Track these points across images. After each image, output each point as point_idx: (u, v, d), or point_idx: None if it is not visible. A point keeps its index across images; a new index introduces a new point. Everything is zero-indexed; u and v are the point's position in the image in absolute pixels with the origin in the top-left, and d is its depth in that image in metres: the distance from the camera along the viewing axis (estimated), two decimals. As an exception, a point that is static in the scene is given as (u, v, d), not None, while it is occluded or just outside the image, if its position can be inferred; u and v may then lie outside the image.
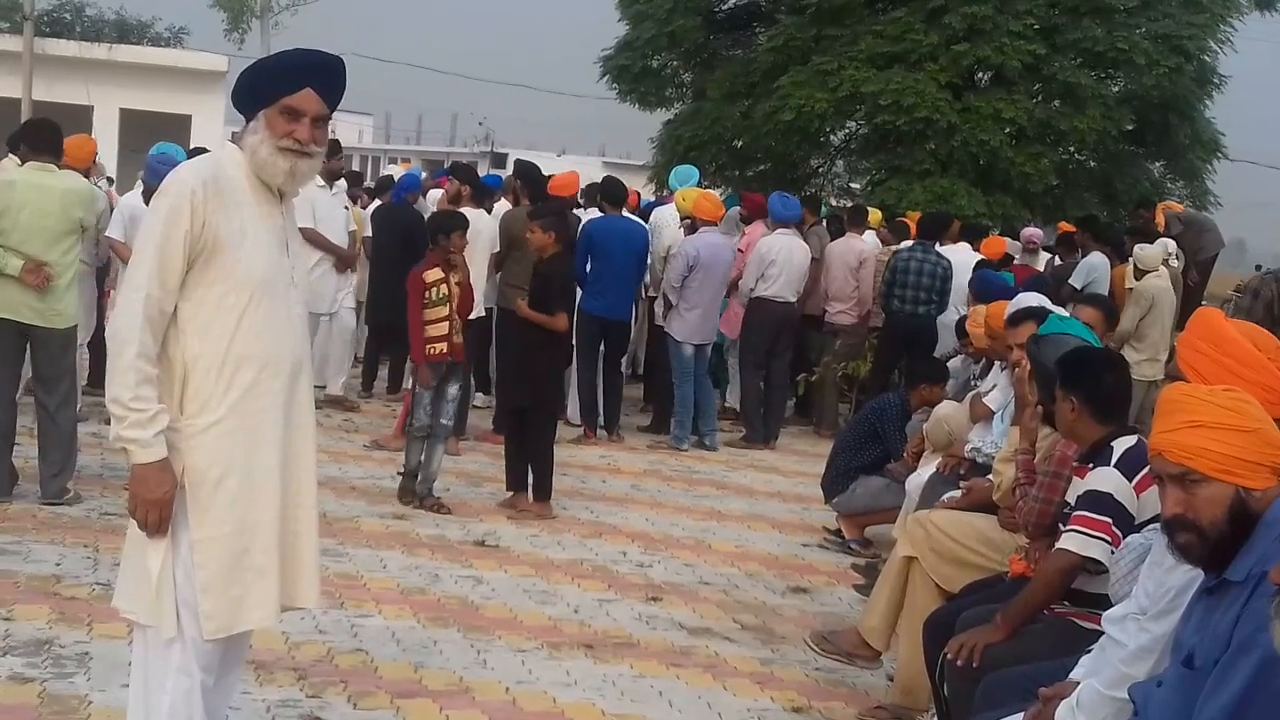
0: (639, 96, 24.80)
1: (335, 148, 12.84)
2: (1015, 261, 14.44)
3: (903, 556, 6.28)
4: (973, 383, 8.61)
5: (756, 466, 12.02)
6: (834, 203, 22.71)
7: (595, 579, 8.06)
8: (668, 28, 23.11)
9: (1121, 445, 4.74)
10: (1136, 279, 12.88)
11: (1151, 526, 4.21)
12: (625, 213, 12.80)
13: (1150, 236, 13.93)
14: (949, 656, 4.88)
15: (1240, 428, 3.35)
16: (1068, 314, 7.04)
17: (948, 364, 9.61)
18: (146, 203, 9.57)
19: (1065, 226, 16.52)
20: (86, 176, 10.78)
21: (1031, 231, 17.12)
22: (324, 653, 6.43)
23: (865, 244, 13.87)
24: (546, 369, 9.52)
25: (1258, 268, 48.78)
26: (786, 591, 8.19)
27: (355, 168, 61.33)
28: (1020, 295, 8.07)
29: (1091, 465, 4.79)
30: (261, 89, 4.30)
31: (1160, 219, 16.17)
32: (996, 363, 7.77)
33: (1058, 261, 15.49)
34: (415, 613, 7.12)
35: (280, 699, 5.80)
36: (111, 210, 10.69)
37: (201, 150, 10.54)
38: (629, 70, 24.27)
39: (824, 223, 15.04)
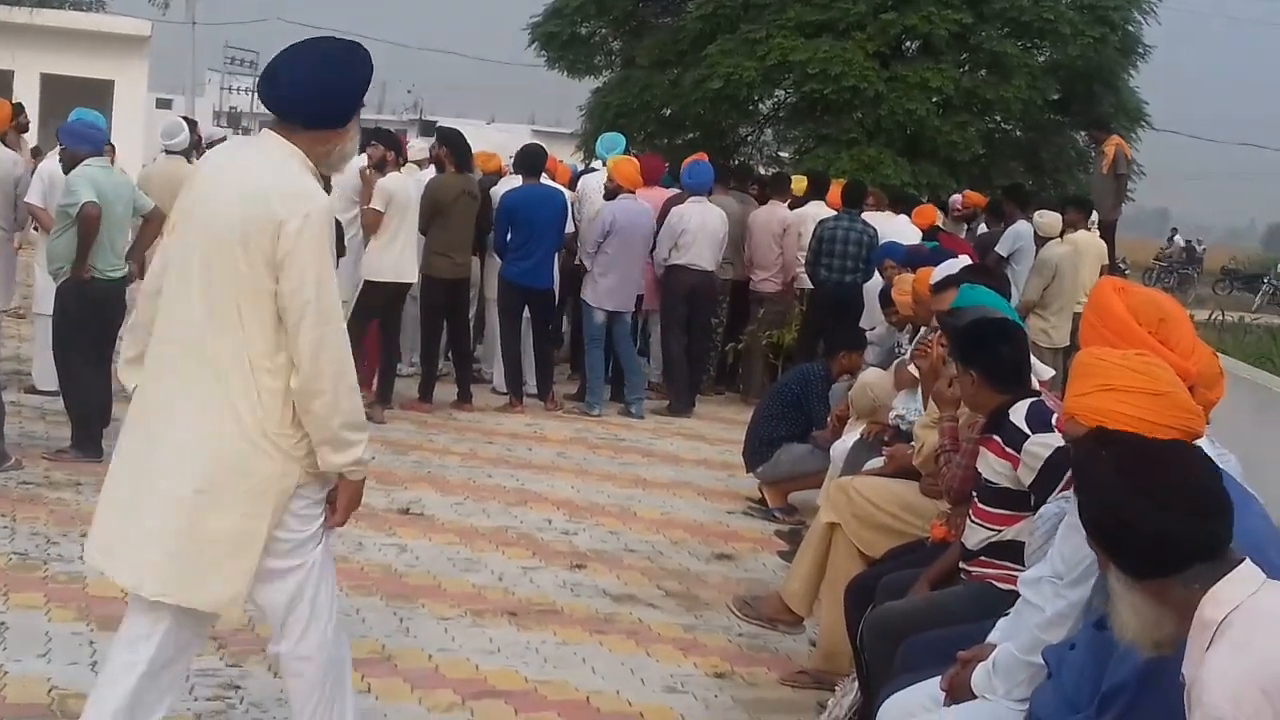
0: (567, 64, 24.70)
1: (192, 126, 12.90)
2: (942, 229, 14.52)
3: (825, 522, 6.32)
4: (897, 350, 8.65)
5: (683, 434, 12.04)
6: (762, 171, 22.74)
7: (520, 546, 8.04)
8: (597, -6, 23.08)
9: (1019, 412, 4.77)
10: (1038, 247, 13.02)
11: (1065, 494, 4.24)
12: (546, 180, 12.78)
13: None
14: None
15: (1152, 391, 3.38)
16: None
17: (870, 332, 9.64)
18: (66, 169, 9.47)
19: (972, 196, 16.57)
20: (3, 141, 10.63)
21: (959, 198, 17.22)
22: (245, 621, 6.36)
23: (789, 212, 13.86)
24: None
25: (1171, 239, 49.33)
26: (710, 558, 8.21)
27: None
28: (945, 263, 8.11)
29: (995, 437, 4.82)
30: None
31: (1110, 152, 16.29)
32: (922, 330, 7.80)
33: (983, 229, 15.59)
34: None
35: (200, 668, 5.74)
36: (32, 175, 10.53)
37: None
38: (557, 37, 24.16)
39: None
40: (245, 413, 4.13)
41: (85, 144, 9.32)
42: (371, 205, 11.02)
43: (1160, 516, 2.70)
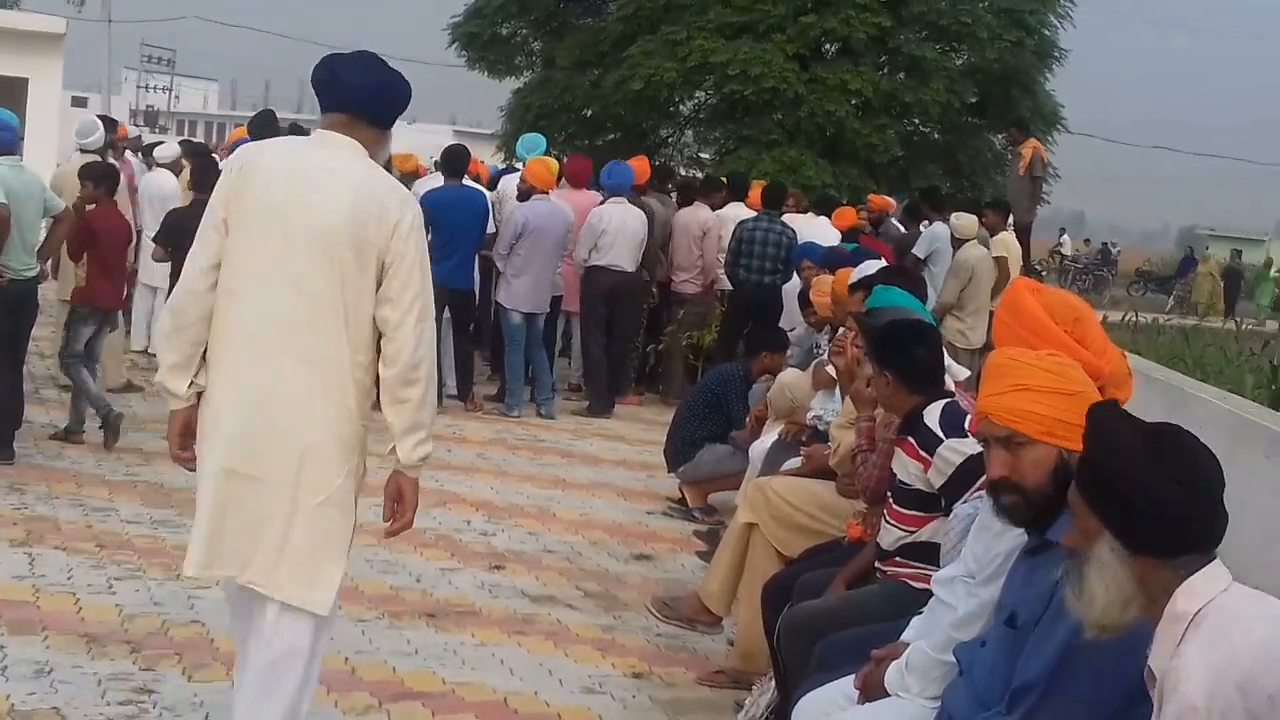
0: (488, 64, 24.61)
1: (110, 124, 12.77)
2: (863, 231, 14.62)
3: (743, 523, 6.33)
4: (815, 351, 8.69)
5: (602, 435, 12.04)
6: (683, 172, 22.78)
7: (438, 548, 8.01)
8: (518, -6, 23.01)
9: (933, 414, 4.80)
10: (955, 249, 13.14)
11: (978, 495, 4.27)
12: (467, 181, 12.76)
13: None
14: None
15: (1064, 391, 3.42)
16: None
17: (790, 333, 9.69)
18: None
19: (877, 200, 16.61)
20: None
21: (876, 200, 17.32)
22: (159, 625, 6.33)
23: (709, 214, 13.88)
24: None
25: (1086, 241, 49.94)
26: (629, 559, 8.22)
27: (200, 135, 60.11)
28: (863, 264, 8.16)
29: (909, 438, 4.85)
30: None
31: (1028, 154, 16.47)
32: (840, 330, 7.83)
33: (903, 231, 15.70)
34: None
35: (112, 672, 5.71)
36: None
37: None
38: (478, 38, 24.07)
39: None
40: (354, 407, 4.35)
41: None
42: None
43: (1185, 499, 2.71)
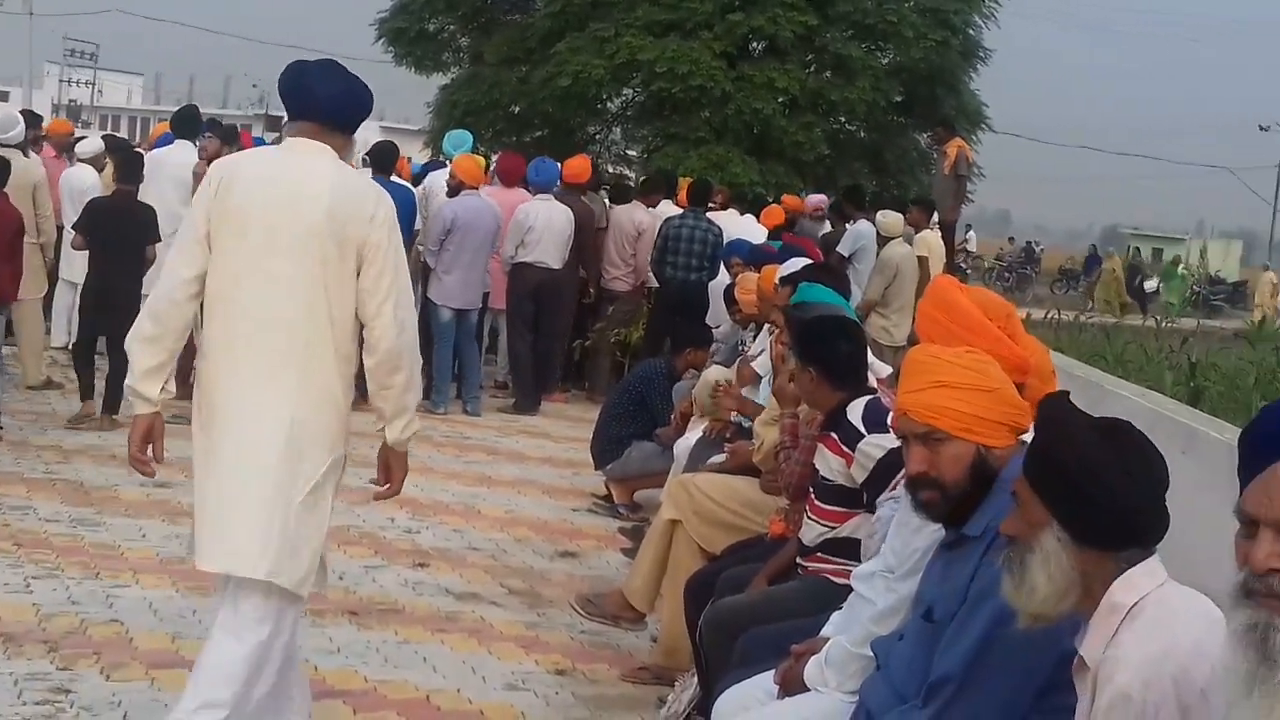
0: (415, 60, 24.47)
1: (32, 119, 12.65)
2: (809, 228, 14.71)
3: (666, 519, 6.34)
4: (741, 348, 8.73)
5: (528, 432, 12.01)
6: (611, 170, 22.79)
7: (362, 545, 7.98)
8: (445, -10, 22.94)
9: (856, 409, 4.83)
10: (880, 246, 13.23)
11: (895, 492, 4.31)
12: (395, 178, 12.70)
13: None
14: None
15: (982, 387, 3.45)
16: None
17: (716, 330, 9.72)
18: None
19: (792, 201, 16.65)
20: None
21: (817, 199, 17.41)
22: (77, 624, 6.26)
23: (645, 215, 13.88)
24: None
25: (1010, 240, 50.50)
26: (554, 556, 8.21)
27: (124, 129, 59.43)
28: (789, 261, 8.20)
29: (832, 434, 4.88)
30: None
31: (952, 153, 16.59)
32: (765, 327, 7.87)
33: (826, 229, 15.78)
34: (174, 582, 6.95)
35: (29, 672, 5.64)
36: None
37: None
38: (405, 33, 23.94)
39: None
40: (340, 400, 4.59)
41: None
42: None
43: (1135, 492, 2.72)
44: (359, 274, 4.50)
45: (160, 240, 10.58)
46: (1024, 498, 2.83)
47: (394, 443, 4.76)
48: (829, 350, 5.03)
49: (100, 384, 10.38)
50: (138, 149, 14.71)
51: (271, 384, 4.45)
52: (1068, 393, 3.03)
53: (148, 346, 4.53)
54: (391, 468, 4.86)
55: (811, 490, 4.98)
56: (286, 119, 4.86)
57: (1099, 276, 39.86)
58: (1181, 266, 44.30)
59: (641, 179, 14.60)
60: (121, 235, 10.42)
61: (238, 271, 4.48)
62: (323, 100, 4.62)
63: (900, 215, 13.64)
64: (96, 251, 10.46)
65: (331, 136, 4.63)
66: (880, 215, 13.62)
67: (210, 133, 11.05)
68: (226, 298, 4.50)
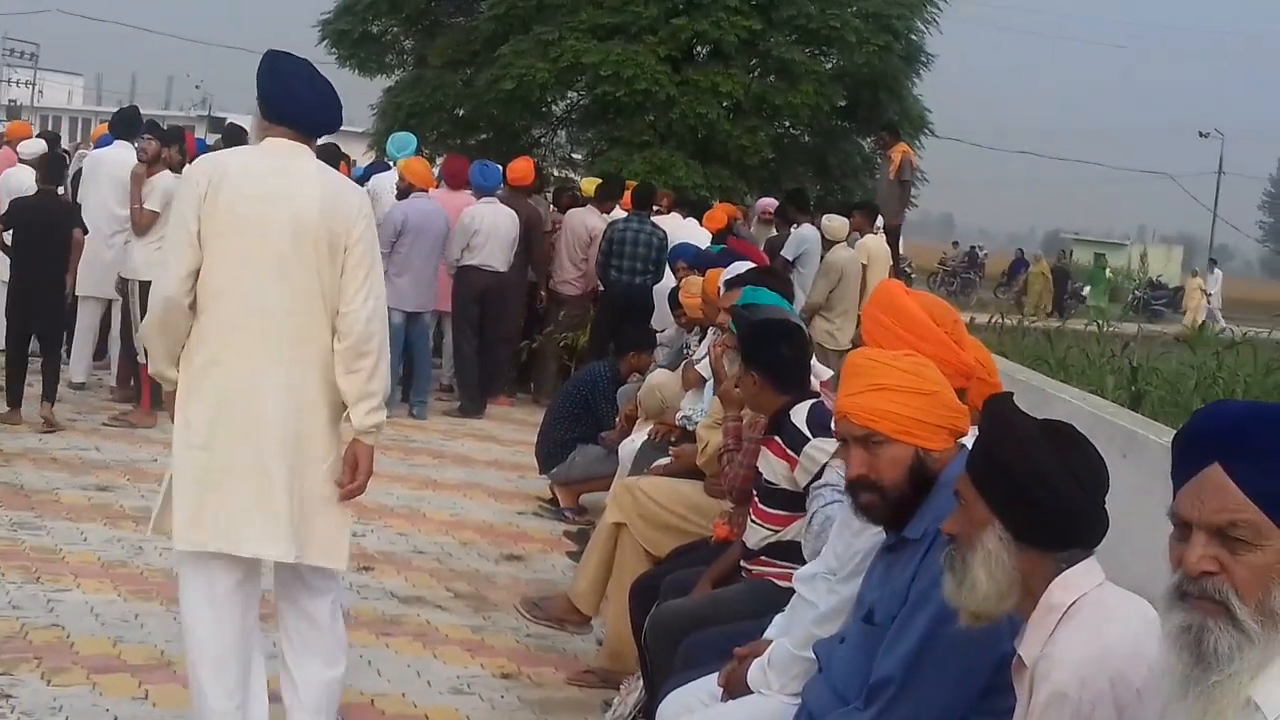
0: (359, 62, 24.38)
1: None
2: (740, 233, 14.72)
3: (611, 522, 6.36)
4: (685, 351, 8.75)
5: (475, 435, 12.00)
6: (556, 173, 22.79)
7: (306, 550, 7.93)
8: (389, -9, 22.84)
9: (800, 412, 4.86)
10: (824, 250, 13.30)
11: (830, 486, 4.35)
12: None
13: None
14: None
15: (920, 390, 3.48)
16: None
17: (661, 333, 9.74)
18: None
19: (725, 208, 16.62)
20: None
21: (766, 202, 17.44)
22: (17, 628, 6.22)
23: (598, 219, 13.89)
24: None
25: (955, 244, 50.88)
26: (500, 559, 8.21)
27: (64, 130, 58.85)
28: (733, 264, 8.23)
29: (776, 438, 4.90)
30: None
31: (897, 158, 16.69)
32: (710, 330, 7.89)
33: (773, 233, 15.83)
34: (116, 586, 6.92)
35: (-32, 678, 5.60)
36: None
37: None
38: (349, 35, 23.83)
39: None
40: (330, 385, 4.81)
41: None
42: (147, 205, 10.64)
43: (1079, 494, 2.75)
44: (342, 268, 4.80)
45: (87, 231, 10.59)
46: (967, 497, 2.86)
47: (359, 429, 4.81)
48: (772, 354, 5.06)
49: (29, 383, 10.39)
50: (65, 150, 14.64)
51: (275, 370, 4.72)
52: (1012, 394, 3.06)
53: (160, 339, 4.85)
54: (358, 461, 4.87)
55: (755, 494, 5.01)
56: (260, 117, 5.00)
57: (1025, 280, 40.22)
58: (1108, 270, 44.77)
59: (598, 184, 14.56)
60: (45, 234, 10.44)
61: (235, 266, 4.73)
62: (307, 109, 4.92)
63: (845, 219, 13.71)
64: (21, 251, 10.46)
65: (306, 141, 4.93)
66: (825, 219, 13.69)
67: (149, 134, 10.96)
68: (225, 291, 4.73)
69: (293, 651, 5.07)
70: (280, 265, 4.74)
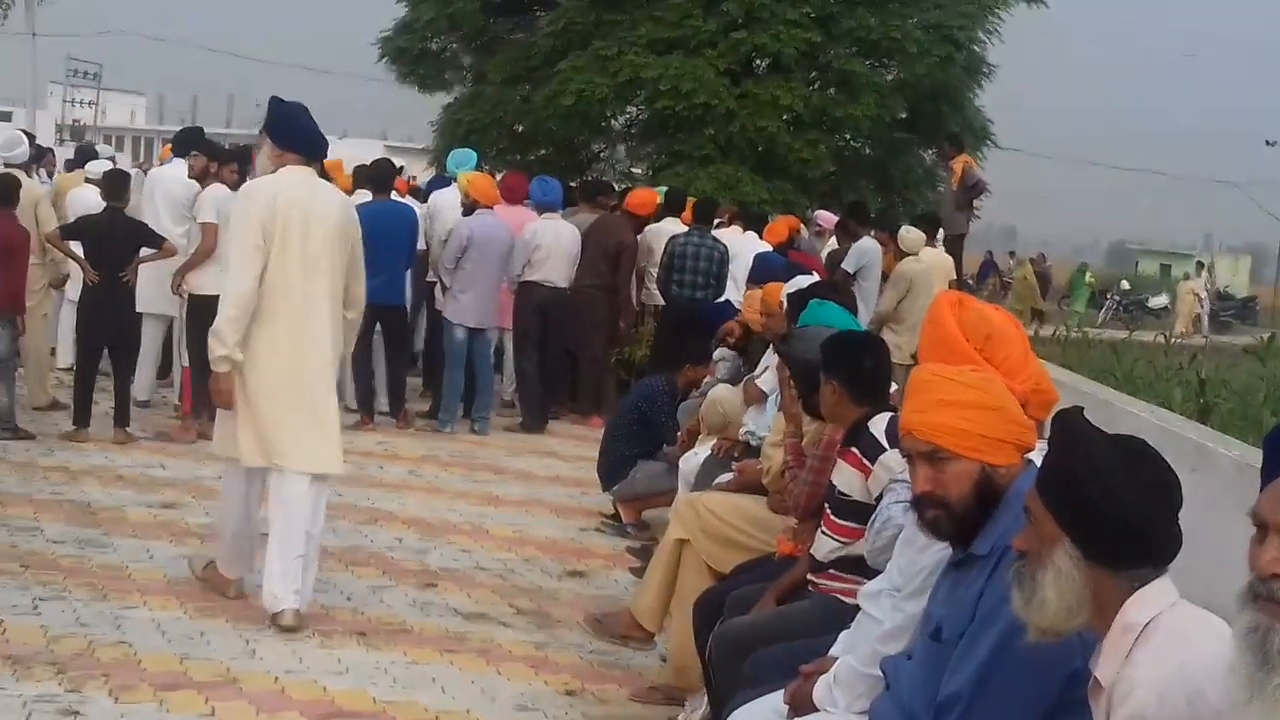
0: (418, 79, 24.50)
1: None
2: (800, 246, 14.69)
3: (675, 539, 6.34)
4: (742, 369, 8.73)
5: (536, 451, 12.01)
6: (617, 187, 22.79)
7: (370, 566, 7.98)
8: (447, 9, 22.84)
9: (879, 424, 4.82)
10: (898, 261, 13.26)
11: (902, 482, 4.31)
12: (395, 196, 12.78)
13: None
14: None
15: (986, 406, 3.45)
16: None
17: (715, 353, 9.71)
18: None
19: (786, 220, 16.53)
20: None
21: (821, 214, 17.38)
22: (85, 645, 6.28)
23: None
24: None
25: (1011, 254, 50.72)
26: (563, 575, 8.21)
27: (127, 149, 59.48)
28: (795, 278, 8.21)
29: (852, 449, 4.87)
30: None
31: (959, 169, 16.64)
32: (770, 346, 7.86)
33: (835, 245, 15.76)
34: (182, 603, 6.97)
35: (37, 694, 5.66)
36: None
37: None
38: (408, 52, 23.96)
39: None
40: (341, 341, 7.08)
41: None
42: (201, 218, 10.69)
43: (1150, 511, 2.71)
44: (350, 258, 7.01)
45: (158, 246, 10.73)
46: (1036, 513, 2.82)
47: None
48: (852, 364, 5.02)
49: (100, 401, 10.47)
50: (126, 169, 14.84)
51: (321, 335, 6.83)
52: (1082, 409, 2.99)
53: (233, 327, 6.66)
54: None
55: (827, 506, 4.98)
56: (276, 147, 6.95)
57: (994, 283, 39.97)
58: (1089, 275, 44.62)
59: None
60: (111, 251, 10.57)
61: (291, 266, 6.71)
62: (311, 141, 7.04)
63: (921, 232, 13.69)
64: (88, 269, 10.61)
65: (310, 164, 7.03)
66: (904, 230, 13.68)
67: (197, 151, 11.11)
68: (286, 284, 6.70)
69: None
70: (319, 262, 6.77)
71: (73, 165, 16.09)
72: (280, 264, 6.68)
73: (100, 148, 23.41)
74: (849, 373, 5.00)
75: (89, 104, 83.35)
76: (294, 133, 6.93)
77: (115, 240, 10.66)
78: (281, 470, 6.77)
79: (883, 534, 4.38)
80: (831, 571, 4.91)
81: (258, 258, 6.64)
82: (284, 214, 6.66)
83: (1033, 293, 36.36)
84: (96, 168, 13.67)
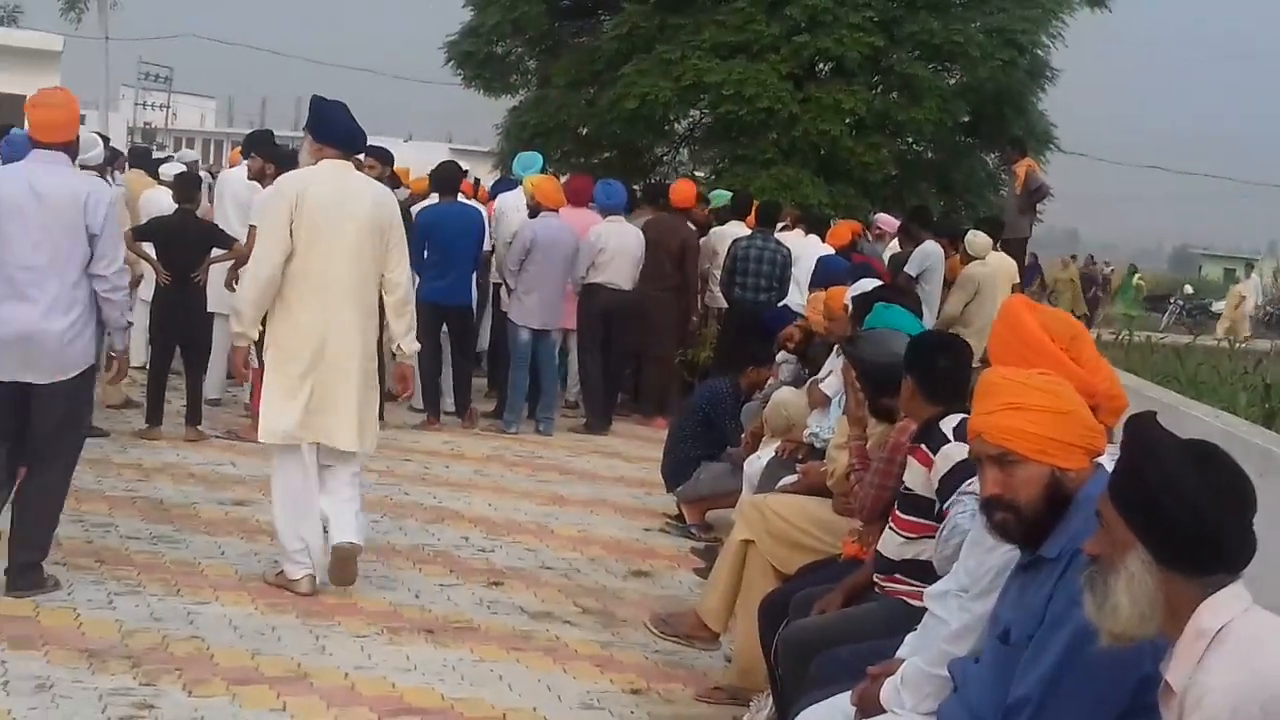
0: (484, 83, 24.61)
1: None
2: (862, 249, 14.70)
3: (740, 540, 6.37)
4: (804, 371, 8.76)
5: (600, 452, 12.08)
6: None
7: (437, 564, 8.06)
8: (512, 14, 22.96)
9: (949, 423, 4.83)
10: (964, 265, 13.26)
11: (969, 494, 4.33)
12: (461, 198, 12.89)
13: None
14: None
15: (1056, 410, 3.47)
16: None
17: (778, 355, 9.74)
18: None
19: (849, 224, 16.46)
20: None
21: (881, 218, 17.36)
22: (159, 640, 6.37)
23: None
24: None
25: (1073, 257, 50.48)
26: (627, 575, 8.26)
27: (197, 151, 60.14)
28: (860, 281, 8.22)
29: (922, 445, 4.89)
30: None
31: (1022, 173, 16.59)
32: (834, 349, 7.89)
33: (895, 248, 15.75)
34: (253, 599, 7.07)
35: (113, 687, 5.76)
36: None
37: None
38: (474, 56, 24.08)
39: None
40: (375, 324, 7.46)
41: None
42: (253, 222, 10.75)
43: (1223, 516, 2.70)
44: (386, 246, 7.32)
45: (228, 247, 10.94)
46: (1108, 518, 2.82)
47: (408, 353, 7.61)
48: (928, 362, 5.02)
49: (172, 400, 10.59)
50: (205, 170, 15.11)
51: (349, 322, 7.18)
52: (1155, 413, 2.97)
53: (255, 305, 7.20)
54: (406, 376, 7.78)
55: (896, 503, 5.01)
56: (315, 142, 7.35)
57: (1038, 284, 39.60)
58: (1137, 277, 44.14)
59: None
60: (183, 252, 10.73)
61: (320, 251, 7.08)
62: (350, 135, 7.43)
63: (988, 237, 13.69)
64: (160, 269, 10.77)
65: (348, 158, 7.42)
66: (971, 234, 13.70)
67: (254, 153, 11.32)
68: (317, 270, 7.08)
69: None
70: (349, 253, 7.16)
71: (130, 165, 16.29)
72: (309, 253, 7.07)
73: (182, 152, 23.69)
74: (924, 370, 5.01)
75: (160, 107, 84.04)
76: (332, 128, 7.33)
77: (186, 241, 10.83)
78: (299, 446, 7.20)
79: (950, 542, 4.41)
80: (898, 576, 4.94)
81: (281, 246, 7.07)
82: (313, 206, 7.06)
83: (1076, 294, 36.08)
84: (169, 170, 13.88)
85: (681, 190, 14.17)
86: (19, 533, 6.85)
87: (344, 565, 7.20)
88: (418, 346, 7.68)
